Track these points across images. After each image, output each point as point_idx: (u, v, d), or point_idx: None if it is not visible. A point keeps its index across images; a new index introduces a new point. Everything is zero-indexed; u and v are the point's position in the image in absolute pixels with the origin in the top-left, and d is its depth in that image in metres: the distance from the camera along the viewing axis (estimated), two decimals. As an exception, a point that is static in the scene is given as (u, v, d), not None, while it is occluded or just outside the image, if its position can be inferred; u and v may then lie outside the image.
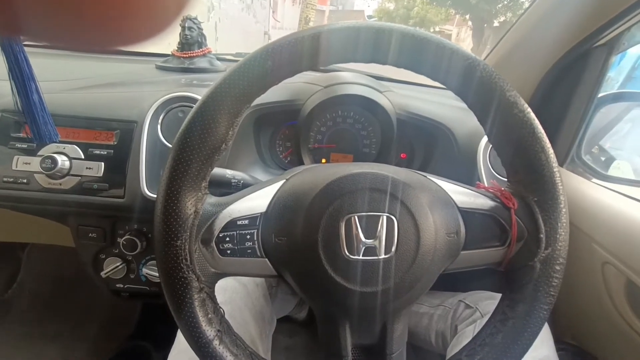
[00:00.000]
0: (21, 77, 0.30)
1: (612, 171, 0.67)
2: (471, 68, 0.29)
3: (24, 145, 0.51)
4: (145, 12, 0.11)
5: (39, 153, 0.51)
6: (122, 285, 0.62)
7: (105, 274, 0.59)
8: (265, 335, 0.51)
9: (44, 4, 0.09)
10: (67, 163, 0.51)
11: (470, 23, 12.25)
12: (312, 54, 0.29)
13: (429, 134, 0.64)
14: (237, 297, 0.49)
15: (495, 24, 10.88)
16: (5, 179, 0.51)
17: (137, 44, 0.11)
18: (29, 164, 0.51)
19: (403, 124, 0.61)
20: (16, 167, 0.51)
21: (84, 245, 0.59)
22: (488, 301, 0.53)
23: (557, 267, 0.30)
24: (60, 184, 0.51)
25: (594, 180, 0.58)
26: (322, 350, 0.33)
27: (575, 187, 0.57)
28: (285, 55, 0.28)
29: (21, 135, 0.52)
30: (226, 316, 0.32)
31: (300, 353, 0.82)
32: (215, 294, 0.44)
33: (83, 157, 0.52)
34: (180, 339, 0.45)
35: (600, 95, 0.59)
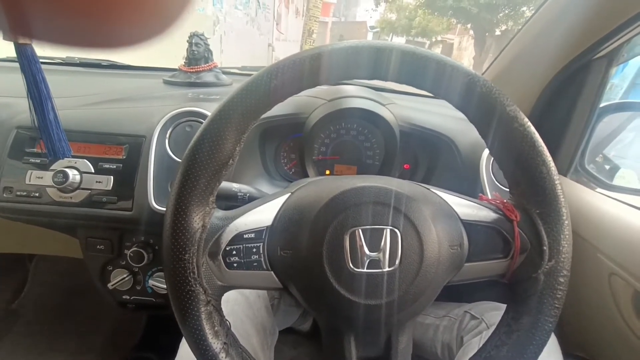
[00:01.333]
0: (39, 97, 0.31)
1: (617, 180, 0.66)
2: (471, 84, 0.30)
3: (37, 160, 0.53)
4: (150, 9, 0.11)
5: (51, 167, 0.52)
6: (128, 297, 0.63)
7: (112, 285, 0.60)
8: (267, 347, 0.51)
9: (51, 5, 0.09)
10: (77, 177, 0.52)
11: (472, 32, 12.36)
12: (314, 73, 0.30)
13: (432, 146, 0.64)
14: (238, 308, 0.49)
15: (497, 32, 10.96)
16: (19, 193, 0.52)
17: (142, 42, 0.12)
18: (42, 178, 0.52)
19: (406, 135, 0.62)
20: (29, 181, 0.52)
21: (92, 256, 0.60)
22: (494, 312, 0.52)
23: (561, 279, 0.30)
24: (71, 198, 0.52)
25: (599, 189, 0.58)
26: None
27: (579, 197, 0.57)
28: (288, 75, 0.29)
29: (35, 150, 0.53)
30: None
31: (305, 365, 0.81)
32: None
33: (93, 171, 0.53)
34: (183, 351, 0.45)
35: (602, 105, 0.59)
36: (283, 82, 0.29)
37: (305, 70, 0.29)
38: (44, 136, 0.34)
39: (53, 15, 0.10)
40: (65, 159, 0.51)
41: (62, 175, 0.50)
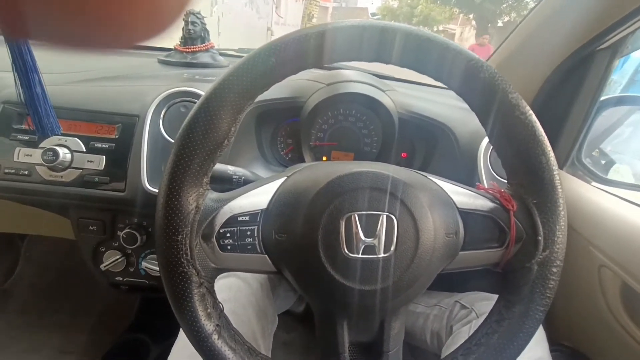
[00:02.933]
0: (24, 69, 0.30)
1: (612, 175, 0.67)
2: (474, 69, 0.29)
3: (26, 137, 0.51)
4: (148, 11, 0.11)
5: (40, 145, 0.51)
6: (121, 279, 0.62)
7: (104, 266, 0.59)
8: (267, 333, 0.51)
9: (48, 4, 0.09)
10: (68, 156, 0.51)
11: (474, 22, 12.19)
12: (316, 52, 0.29)
13: (431, 134, 0.64)
14: (241, 295, 0.49)
15: (499, 24, 10.83)
16: (6, 170, 0.51)
17: (139, 42, 0.11)
18: (31, 155, 0.51)
19: (405, 123, 0.61)
20: (18, 158, 0.51)
21: (84, 237, 0.60)
22: (484, 302, 0.53)
23: (554, 270, 0.31)
24: (62, 177, 0.51)
25: (594, 183, 0.58)
26: (320, 347, 0.33)
27: (574, 190, 0.57)
28: (289, 53, 0.28)
29: (23, 127, 0.52)
30: (230, 313, 0.32)
31: (299, 349, 0.82)
32: (220, 291, 0.44)
33: (85, 150, 0.52)
34: (183, 333, 0.45)
35: (602, 98, 0.59)
36: (284, 60, 0.28)
37: (308, 48, 0.28)
38: (30, 111, 0.32)
39: (51, 18, 0.09)
40: (55, 136, 0.50)
41: (52, 153, 0.49)
